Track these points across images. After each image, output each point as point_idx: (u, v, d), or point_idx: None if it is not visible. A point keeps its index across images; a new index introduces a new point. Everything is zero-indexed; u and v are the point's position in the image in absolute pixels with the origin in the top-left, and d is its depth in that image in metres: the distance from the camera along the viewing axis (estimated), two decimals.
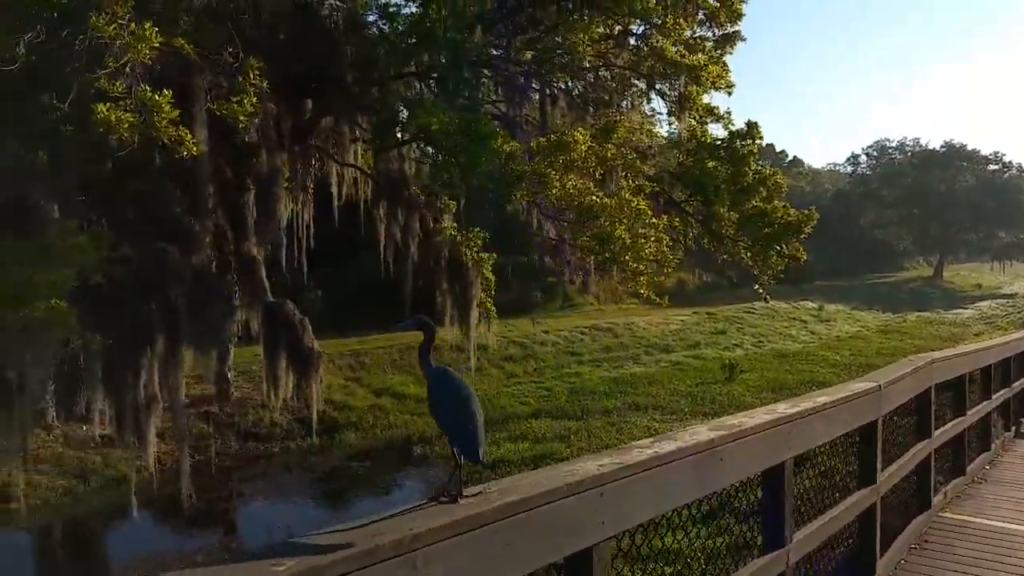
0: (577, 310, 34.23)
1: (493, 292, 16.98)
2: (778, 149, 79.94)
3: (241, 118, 9.14)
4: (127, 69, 7.90)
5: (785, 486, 3.66)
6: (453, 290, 15.80)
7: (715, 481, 3.15)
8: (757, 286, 17.55)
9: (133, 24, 7.75)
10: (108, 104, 7.73)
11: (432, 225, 15.52)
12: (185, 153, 8.31)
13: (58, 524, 13.75)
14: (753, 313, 34.53)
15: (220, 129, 9.91)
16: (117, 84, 7.94)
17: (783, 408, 3.75)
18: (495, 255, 16.15)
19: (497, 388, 22.21)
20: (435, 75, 13.49)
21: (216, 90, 9.80)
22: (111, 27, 7.58)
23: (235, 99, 9.14)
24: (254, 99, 9.37)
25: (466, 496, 2.22)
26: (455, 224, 15.67)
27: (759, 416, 3.61)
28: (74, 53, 7.80)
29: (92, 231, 8.75)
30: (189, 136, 8.31)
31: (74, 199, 9.03)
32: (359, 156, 16.25)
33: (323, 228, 18.47)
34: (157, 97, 7.96)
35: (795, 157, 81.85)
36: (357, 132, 15.52)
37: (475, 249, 15.59)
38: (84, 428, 15.32)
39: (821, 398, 4.06)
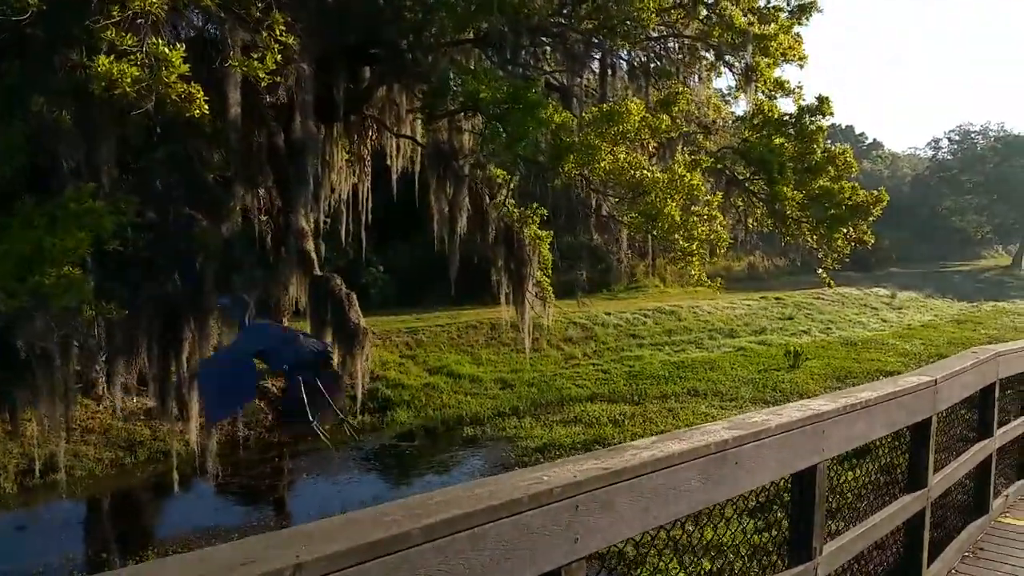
0: (643, 292, 33.64)
1: (551, 271, 16.60)
2: (858, 131, 77.27)
3: (262, 75, 8.85)
4: (139, 21, 7.68)
5: (816, 494, 3.21)
6: (508, 268, 15.47)
7: (726, 489, 2.72)
8: (820, 270, 16.69)
9: None
10: (111, 57, 7.49)
11: (489, 200, 15.17)
12: (197, 112, 8.07)
13: (100, 496, 13.77)
14: (823, 299, 33.36)
15: (256, 90, 9.69)
16: (127, 37, 7.74)
17: (818, 404, 3.29)
18: (552, 233, 15.73)
19: (555, 370, 21.84)
20: (493, 43, 13.06)
21: (254, 50, 9.58)
22: None
23: (256, 56, 8.86)
24: (278, 56, 9.07)
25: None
26: (512, 200, 15.29)
27: (789, 413, 3.15)
28: (93, 5, 7.62)
29: (114, 195, 8.58)
30: (201, 94, 8.07)
31: (99, 161, 8.89)
32: (417, 127, 15.96)
33: (387, 202, 18.34)
34: (168, 51, 7.72)
35: (875, 140, 79.11)
36: (415, 102, 15.22)
37: (533, 226, 15.21)
38: (134, 399, 15.48)
39: (864, 393, 3.56)
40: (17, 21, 7.64)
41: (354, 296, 13.31)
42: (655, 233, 12.13)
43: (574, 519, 2.09)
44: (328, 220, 18.35)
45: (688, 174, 12.47)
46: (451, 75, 12.09)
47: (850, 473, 4.08)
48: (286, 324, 18.69)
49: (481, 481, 2.13)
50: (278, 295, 16.85)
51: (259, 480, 14.84)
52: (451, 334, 22.96)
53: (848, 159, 16.08)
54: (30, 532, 12.22)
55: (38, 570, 10.37)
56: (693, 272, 13.93)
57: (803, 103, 15.91)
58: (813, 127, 15.52)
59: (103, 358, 11.08)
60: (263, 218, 14.40)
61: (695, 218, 12.68)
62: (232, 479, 14.48)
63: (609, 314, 26.43)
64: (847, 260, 16.94)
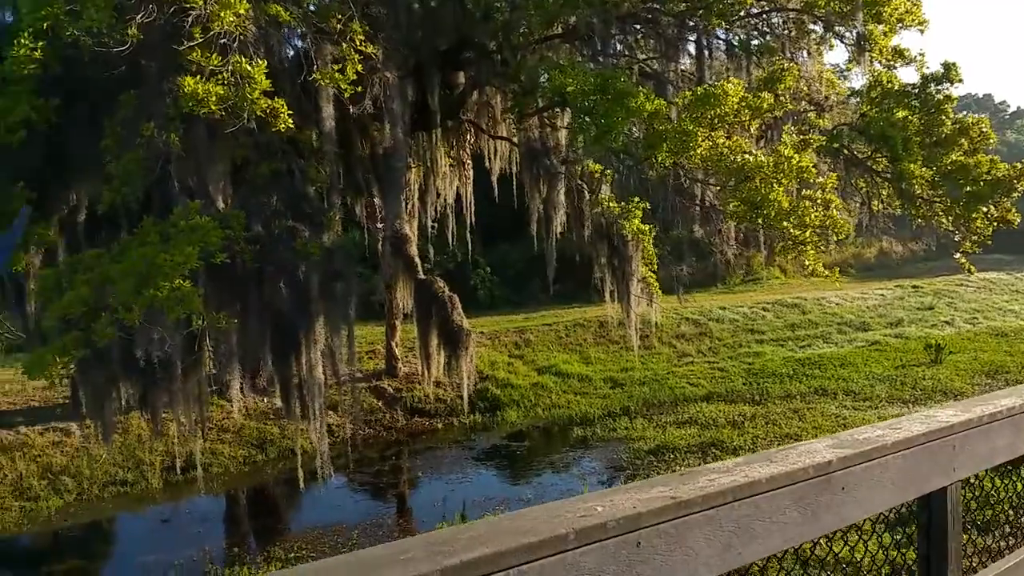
0: (760, 284, 32.23)
1: (656, 266, 16.12)
2: (998, 99, 71.73)
3: (344, 86, 8.86)
4: (223, 41, 7.82)
5: (949, 521, 2.68)
6: (611, 264, 15.14)
7: (830, 520, 2.27)
8: (958, 254, 15.29)
9: None
10: (197, 77, 7.66)
11: (588, 196, 14.85)
12: (282, 127, 8.15)
13: (235, 492, 14.64)
14: (966, 286, 30.64)
15: (352, 101, 9.75)
16: (213, 57, 7.89)
17: (946, 415, 2.74)
18: (655, 226, 15.23)
19: (667, 368, 21.14)
20: (582, 35, 12.72)
21: (342, 63, 9.65)
22: None
23: (337, 67, 8.88)
24: (359, 66, 9.05)
25: None
26: (612, 194, 14.89)
27: (908, 427, 2.64)
28: (185, 30, 7.85)
29: (221, 212, 8.87)
30: (285, 108, 8.13)
31: (208, 180, 9.22)
32: (511, 127, 15.86)
33: (490, 203, 18.38)
34: (250, 68, 7.82)
35: (1019, 108, 72.80)
36: (508, 103, 15.12)
37: (635, 220, 14.76)
38: (264, 400, 16.34)
39: (1006, 400, 2.97)
40: (125, 54, 7.98)
41: (456, 298, 13.36)
42: (761, 222, 11.35)
43: (635, 558, 1.73)
44: (436, 224, 18.54)
45: (796, 156, 11.55)
46: (540, 71, 11.83)
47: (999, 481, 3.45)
48: (397, 325, 19.07)
49: (522, 512, 1.80)
50: (390, 298, 17.25)
51: (378, 477, 15.33)
52: (558, 332, 22.70)
53: (983, 130, 14.79)
54: (173, 525, 13.13)
55: (179, 561, 10.97)
56: (808, 262, 13.00)
57: (927, 71, 14.80)
58: (940, 97, 14.35)
59: (232, 362, 11.53)
60: (379, 225, 14.67)
61: (807, 203, 11.81)
62: (354, 476, 15.08)
63: (724, 308, 25.39)
64: (990, 242, 15.54)
